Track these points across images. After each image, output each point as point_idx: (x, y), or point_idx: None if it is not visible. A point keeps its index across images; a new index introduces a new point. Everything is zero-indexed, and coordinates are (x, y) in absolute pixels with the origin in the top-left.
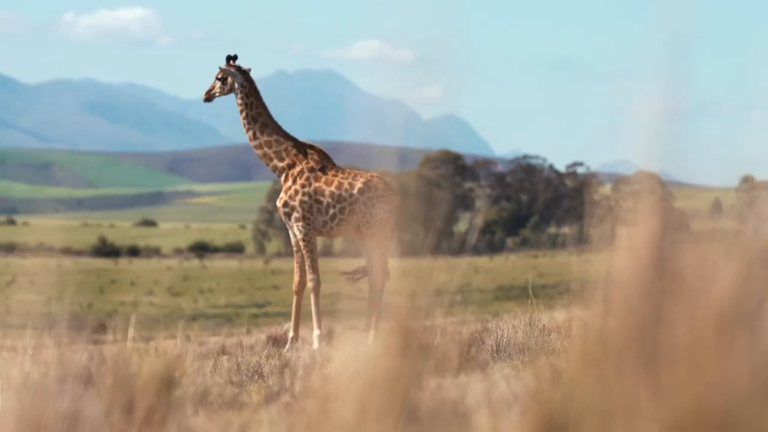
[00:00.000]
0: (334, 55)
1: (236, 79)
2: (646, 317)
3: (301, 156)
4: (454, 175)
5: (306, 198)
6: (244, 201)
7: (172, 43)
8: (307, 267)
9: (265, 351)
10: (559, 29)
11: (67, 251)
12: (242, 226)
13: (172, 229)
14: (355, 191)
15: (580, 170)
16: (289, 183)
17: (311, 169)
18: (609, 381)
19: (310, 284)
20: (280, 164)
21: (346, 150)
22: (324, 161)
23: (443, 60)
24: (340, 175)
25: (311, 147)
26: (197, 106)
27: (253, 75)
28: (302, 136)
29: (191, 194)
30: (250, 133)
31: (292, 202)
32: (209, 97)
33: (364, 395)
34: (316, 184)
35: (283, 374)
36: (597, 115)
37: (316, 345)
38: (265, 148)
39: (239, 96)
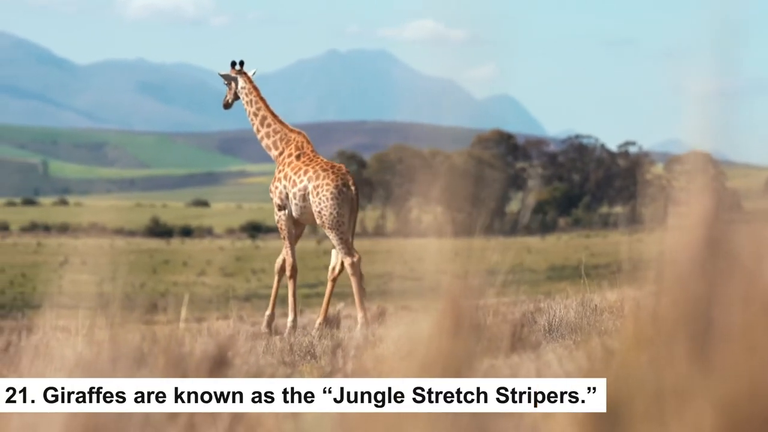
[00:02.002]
0: (387, 35)
1: (235, 82)
2: (699, 297)
3: (286, 143)
4: (506, 155)
5: (280, 185)
6: None
7: (226, 22)
8: (284, 252)
9: (318, 331)
10: (613, 7)
11: (120, 232)
12: None
13: (225, 209)
14: (307, 180)
15: (632, 150)
16: (276, 171)
17: (289, 156)
18: (661, 361)
19: (287, 270)
20: (275, 153)
21: (398, 130)
22: (303, 148)
23: (496, 39)
24: (307, 164)
25: (298, 133)
26: None
27: (305, 55)
28: (354, 117)
29: (243, 174)
30: (254, 128)
31: (271, 189)
32: (225, 104)
33: (417, 375)
34: (289, 172)
35: (336, 354)
36: (649, 94)
37: (287, 332)
38: (266, 140)
39: (241, 97)
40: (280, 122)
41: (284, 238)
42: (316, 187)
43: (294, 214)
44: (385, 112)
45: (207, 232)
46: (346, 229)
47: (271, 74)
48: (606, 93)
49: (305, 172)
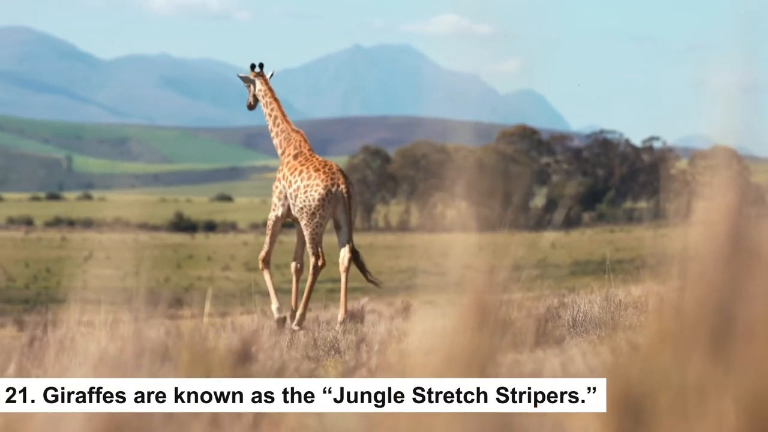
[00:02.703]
0: (412, 29)
1: (254, 85)
2: (723, 292)
3: (288, 143)
4: (530, 150)
5: (279, 185)
6: None
7: (250, 17)
8: (264, 247)
9: (342, 326)
10: (636, 3)
11: (144, 226)
12: None
13: (249, 204)
14: (300, 180)
15: (656, 145)
16: (278, 170)
17: (288, 156)
18: (685, 356)
19: (259, 263)
20: (279, 152)
21: (423, 125)
22: (300, 148)
23: (521, 34)
24: (302, 163)
25: (297, 132)
26: (273, 80)
27: (330, 49)
28: (378, 111)
29: (267, 169)
30: (269, 127)
31: (273, 188)
32: (248, 105)
33: (441, 370)
34: (286, 172)
35: (360, 349)
36: (674, 89)
37: (274, 318)
38: (275, 139)
39: (259, 98)
40: (287, 122)
41: (267, 234)
42: (306, 186)
43: (284, 212)
44: (409, 107)
45: (231, 226)
46: (322, 231)
47: (295, 69)
48: (630, 88)
49: (300, 172)
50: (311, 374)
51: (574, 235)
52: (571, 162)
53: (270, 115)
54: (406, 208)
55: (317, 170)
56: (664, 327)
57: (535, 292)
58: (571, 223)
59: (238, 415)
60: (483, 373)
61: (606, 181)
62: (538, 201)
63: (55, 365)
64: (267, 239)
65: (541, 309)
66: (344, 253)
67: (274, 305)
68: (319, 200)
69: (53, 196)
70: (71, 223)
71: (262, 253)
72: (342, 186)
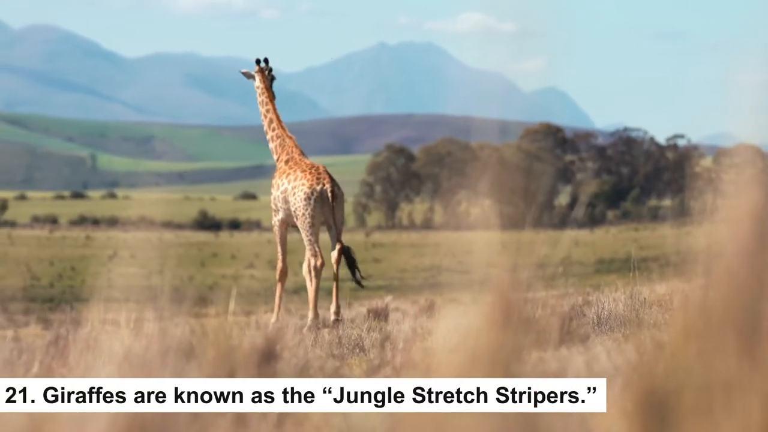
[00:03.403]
0: (437, 27)
1: (253, 81)
2: (748, 290)
3: (282, 149)
4: (554, 148)
5: (274, 191)
6: (345, 174)
7: (276, 15)
8: (278, 260)
9: (366, 324)
10: (662, 0)
11: (169, 225)
12: None
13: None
14: (287, 183)
15: (680, 142)
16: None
17: (279, 162)
18: (710, 354)
19: (277, 274)
20: (275, 157)
21: (447, 123)
22: (291, 153)
23: (546, 32)
24: (292, 167)
25: (290, 138)
26: (298, 78)
27: (354, 47)
28: (403, 109)
29: None
30: (264, 129)
31: (270, 197)
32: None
33: (465, 368)
34: (277, 178)
35: (384, 347)
36: (698, 87)
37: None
38: (270, 143)
39: (256, 95)
40: (282, 127)
41: (277, 243)
42: (293, 188)
43: (284, 216)
44: (434, 105)
45: (255, 225)
46: (317, 230)
47: (320, 67)
48: (655, 86)
49: (287, 175)
50: (335, 373)
51: (599, 233)
52: (596, 160)
53: (265, 116)
54: (430, 207)
55: (303, 171)
56: (689, 325)
57: (560, 290)
58: (595, 221)
59: (264, 414)
60: (507, 372)
61: (630, 179)
62: (563, 199)
63: (80, 364)
64: (278, 248)
65: (566, 307)
66: (333, 254)
67: (273, 319)
68: (305, 200)
69: (78, 195)
70: (96, 222)
71: (280, 264)
72: (327, 185)
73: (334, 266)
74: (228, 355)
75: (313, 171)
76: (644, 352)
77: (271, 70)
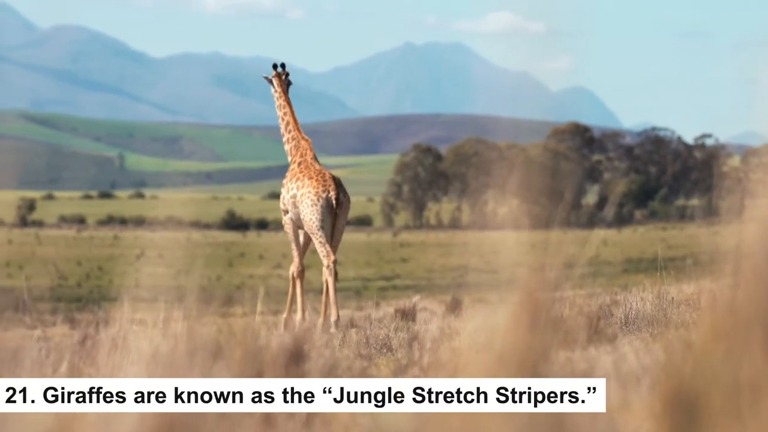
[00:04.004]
0: (465, 27)
1: (271, 85)
2: None
3: (296, 151)
4: (582, 148)
5: (284, 192)
6: (372, 174)
7: (303, 16)
8: (294, 259)
9: (394, 324)
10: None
11: (196, 224)
12: (370, 199)
13: None
14: (296, 189)
15: (708, 142)
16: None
17: (293, 164)
18: (738, 354)
19: (294, 272)
20: (289, 159)
21: (474, 123)
22: (305, 156)
23: (573, 32)
24: (302, 171)
25: (305, 140)
26: (324, 79)
27: (380, 47)
28: (430, 109)
29: None
30: (281, 131)
31: (281, 197)
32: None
33: (493, 368)
34: (289, 180)
35: (412, 347)
36: (726, 86)
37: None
38: (286, 145)
39: (274, 99)
40: (298, 129)
41: (291, 242)
42: (301, 195)
43: (294, 218)
44: (461, 105)
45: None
46: (327, 233)
47: (347, 67)
48: (682, 85)
49: (297, 180)
50: (363, 373)
51: (627, 233)
52: (623, 159)
53: (282, 119)
54: (458, 206)
55: (311, 178)
56: (717, 324)
57: (587, 289)
58: (623, 220)
59: (291, 413)
60: (535, 372)
61: (658, 179)
62: (590, 198)
63: (108, 364)
64: (293, 246)
65: (594, 307)
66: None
67: (285, 314)
68: (311, 206)
69: (105, 195)
70: (123, 222)
71: (296, 262)
72: (332, 193)
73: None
74: (256, 355)
75: (319, 178)
76: (672, 352)
77: (287, 74)
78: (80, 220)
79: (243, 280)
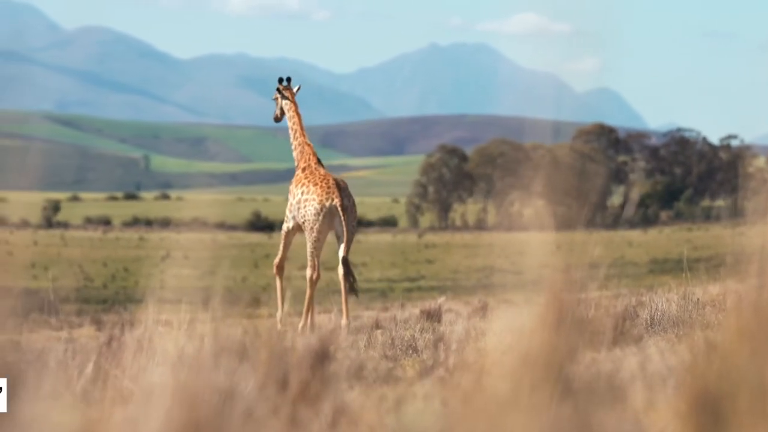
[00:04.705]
0: (490, 28)
1: (281, 98)
2: None
3: (302, 157)
4: (607, 149)
5: (290, 197)
6: (398, 175)
7: (329, 17)
8: (278, 253)
9: (419, 325)
10: (714, 0)
11: (222, 226)
12: (396, 200)
13: None
14: (300, 194)
15: (734, 143)
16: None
17: (298, 169)
18: (763, 354)
19: (274, 268)
20: (296, 165)
21: (499, 123)
22: (309, 161)
23: (599, 32)
24: (307, 177)
25: (309, 146)
26: (350, 79)
27: (405, 48)
28: (454, 110)
29: (344, 168)
30: (291, 141)
31: (288, 203)
32: (275, 117)
33: (519, 369)
34: (294, 186)
35: (438, 348)
36: (752, 87)
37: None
38: (294, 152)
39: (284, 111)
40: (303, 135)
41: (281, 243)
42: (305, 201)
43: (294, 225)
44: (486, 106)
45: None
46: (321, 245)
47: (372, 68)
48: (708, 86)
49: (301, 185)
50: (388, 374)
51: (652, 234)
52: (649, 160)
53: (292, 129)
54: (483, 207)
55: (315, 185)
56: (742, 325)
57: (613, 290)
58: (648, 221)
59: (317, 414)
60: (561, 373)
61: (683, 180)
62: (616, 200)
63: (133, 365)
64: (281, 246)
65: (619, 308)
66: (340, 270)
67: (279, 313)
68: (314, 214)
69: (131, 196)
70: (149, 223)
71: (276, 260)
72: (336, 200)
73: (342, 281)
74: (282, 357)
75: (324, 184)
76: (697, 352)
77: (299, 88)
78: (106, 222)
79: (268, 282)
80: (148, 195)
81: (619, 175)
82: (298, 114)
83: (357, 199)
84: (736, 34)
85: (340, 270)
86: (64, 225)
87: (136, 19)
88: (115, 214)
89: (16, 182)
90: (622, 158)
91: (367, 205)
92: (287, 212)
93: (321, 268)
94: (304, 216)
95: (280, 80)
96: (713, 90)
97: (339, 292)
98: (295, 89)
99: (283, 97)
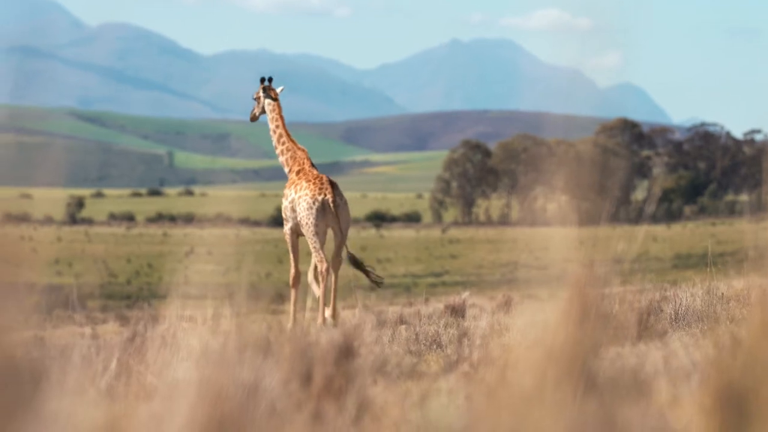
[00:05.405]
0: (512, 24)
1: (264, 98)
2: None
3: (293, 161)
4: (630, 143)
5: (285, 201)
6: (421, 170)
7: (350, 13)
8: (291, 266)
9: (444, 320)
10: None
11: (245, 221)
12: (419, 196)
13: (349, 199)
14: (294, 193)
15: (758, 137)
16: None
17: (291, 173)
18: None
19: (290, 280)
20: (286, 169)
21: (522, 118)
22: (303, 165)
23: (622, 28)
24: (300, 178)
25: (302, 150)
26: (373, 75)
27: (427, 44)
28: (477, 106)
29: (368, 164)
30: (273, 144)
31: (281, 204)
32: (252, 117)
33: (543, 364)
34: (288, 189)
35: (462, 343)
36: None
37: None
38: (281, 157)
39: (267, 112)
40: (291, 140)
41: (289, 250)
42: (298, 198)
43: (293, 225)
44: (509, 101)
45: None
46: (322, 239)
47: (394, 64)
48: (731, 81)
49: (295, 185)
50: (412, 369)
51: (676, 229)
52: (672, 155)
53: (275, 132)
54: (507, 202)
55: (308, 182)
56: (767, 320)
57: (637, 285)
58: (672, 216)
59: (341, 409)
60: (585, 368)
61: (707, 174)
62: (639, 194)
63: (157, 360)
64: (290, 255)
65: (643, 302)
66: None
67: (290, 324)
68: (308, 209)
69: (154, 192)
70: (172, 219)
71: (292, 270)
72: (329, 195)
73: (332, 272)
74: (306, 352)
75: (316, 182)
76: (722, 347)
77: (281, 90)
78: (129, 218)
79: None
80: (171, 191)
81: (642, 170)
82: (281, 116)
83: (380, 195)
84: (760, 31)
85: (331, 263)
86: (88, 221)
87: (159, 15)
88: (139, 211)
89: (40, 179)
90: (645, 153)
91: (391, 201)
92: (283, 215)
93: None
94: (299, 213)
95: (263, 80)
96: (737, 84)
97: (335, 289)
98: (278, 90)
99: (267, 96)
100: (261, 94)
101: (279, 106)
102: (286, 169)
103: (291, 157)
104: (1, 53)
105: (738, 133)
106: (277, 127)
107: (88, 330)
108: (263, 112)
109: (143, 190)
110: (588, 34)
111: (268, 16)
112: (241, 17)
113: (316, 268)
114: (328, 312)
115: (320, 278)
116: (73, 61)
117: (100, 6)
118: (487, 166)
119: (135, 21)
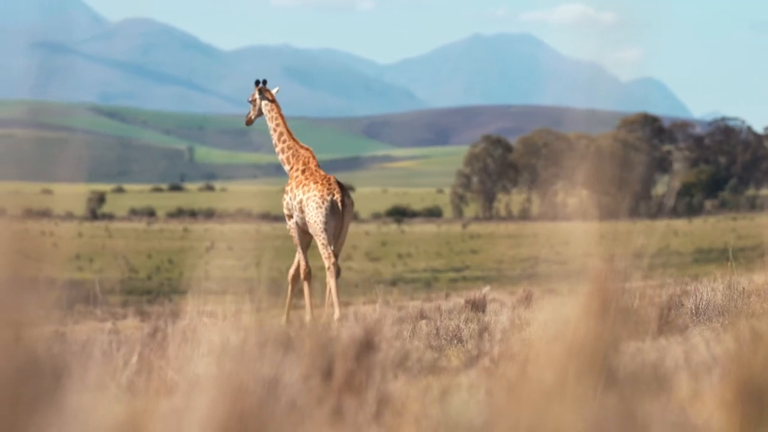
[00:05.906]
0: (534, 18)
1: (260, 99)
2: None
3: (296, 159)
4: (651, 138)
5: (287, 197)
6: (442, 165)
7: (372, 7)
8: (297, 257)
9: (464, 315)
10: None
11: (266, 217)
12: (440, 191)
13: (370, 194)
14: (302, 193)
15: None
16: (287, 183)
17: (296, 171)
18: None
19: (302, 275)
20: (287, 167)
21: (543, 113)
22: (308, 164)
23: (644, 22)
24: (307, 178)
25: (306, 149)
26: (394, 70)
27: (449, 39)
28: (498, 101)
29: (389, 159)
30: (273, 142)
31: (282, 201)
32: (248, 120)
33: (564, 359)
34: (294, 186)
35: (482, 338)
36: None
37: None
38: (281, 155)
39: (264, 113)
40: (293, 139)
41: (296, 245)
42: (307, 198)
43: (299, 223)
44: (530, 96)
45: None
46: (330, 235)
47: (416, 58)
48: (752, 75)
49: (303, 185)
50: (433, 364)
51: (697, 223)
52: (693, 149)
53: (275, 131)
54: (528, 197)
55: (317, 182)
56: None
57: (657, 280)
58: (693, 210)
59: (361, 404)
60: (605, 362)
61: (728, 169)
62: (660, 189)
63: (178, 356)
64: (298, 250)
65: (664, 297)
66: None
67: (308, 317)
68: (317, 209)
69: (175, 187)
70: (193, 214)
71: (303, 264)
72: (337, 195)
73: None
74: (326, 347)
75: (325, 182)
76: (743, 342)
77: (277, 91)
78: (150, 213)
79: (312, 272)
80: (192, 186)
81: (663, 165)
82: (281, 115)
83: (401, 190)
84: None
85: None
86: (109, 216)
87: (180, 10)
88: (160, 206)
89: (61, 174)
90: (666, 147)
91: (412, 196)
92: (285, 210)
93: (362, 257)
94: (308, 213)
95: (257, 82)
96: (758, 79)
97: (332, 287)
98: (274, 91)
99: (263, 98)
100: (257, 96)
101: (277, 106)
102: (287, 167)
103: (293, 155)
104: (22, 49)
105: (759, 127)
106: (277, 125)
107: (108, 325)
108: (260, 114)
109: (164, 186)
110: (610, 29)
111: (289, 10)
112: (262, 12)
113: (297, 267)
114: (336, 312)
115: (327, 275)
116: (94, 57)
117: (120, 1)
118: (507, 160)
119: (156, 16)
